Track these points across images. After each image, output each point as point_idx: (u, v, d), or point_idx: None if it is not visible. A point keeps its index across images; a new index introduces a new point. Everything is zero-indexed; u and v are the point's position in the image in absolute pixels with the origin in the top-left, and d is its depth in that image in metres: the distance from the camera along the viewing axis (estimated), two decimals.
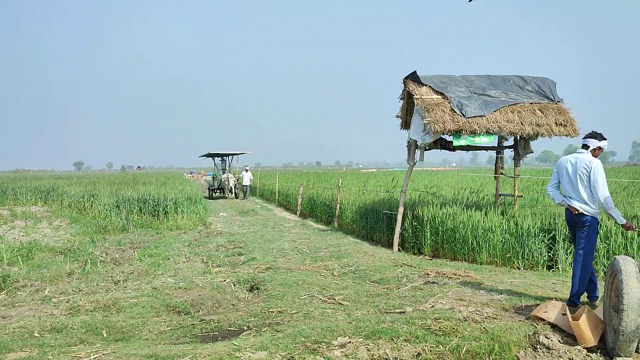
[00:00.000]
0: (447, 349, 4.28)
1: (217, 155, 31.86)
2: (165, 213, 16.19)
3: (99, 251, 10.49)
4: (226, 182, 28.72)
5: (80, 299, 6.67)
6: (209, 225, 15.66)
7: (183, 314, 6.30)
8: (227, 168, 31.97)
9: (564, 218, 6.30)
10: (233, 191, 29.13)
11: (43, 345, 4.88)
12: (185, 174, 72.81)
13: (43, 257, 10.06)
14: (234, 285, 7.60)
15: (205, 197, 27.78)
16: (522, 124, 9.21)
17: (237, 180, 29.48)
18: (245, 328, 5.48)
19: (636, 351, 4.32)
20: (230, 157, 32.11)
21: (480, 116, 9.20)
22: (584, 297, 5.81)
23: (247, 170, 28.53)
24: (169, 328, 5.67)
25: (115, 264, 9.41)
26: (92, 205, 16.80)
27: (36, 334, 5.30)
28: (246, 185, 28.45)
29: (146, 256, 9.94)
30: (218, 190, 30.57)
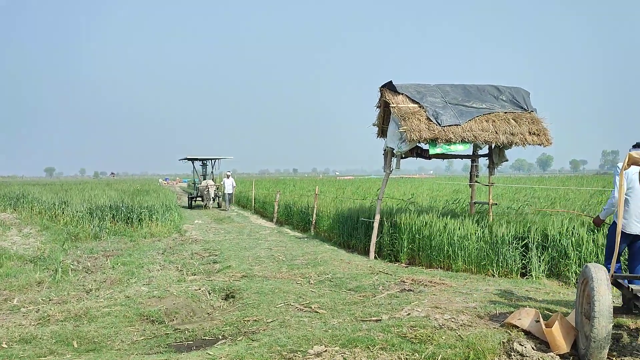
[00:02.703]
0: (422, 356, 4.29)
1: (197, 159, 29.16)
2: (139, 220, 15.94)
3: (70, 259, 10.28)
4: (206, 190, 25.79)
5: (51, 309, 6.51)
6: (183, 233, 15.49)
7: (157, 323, 6.19)
8: (207, 174, 29.29)
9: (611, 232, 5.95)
10: (214, 200, 26.59)
11: (11, 357, 4.74)
12: (160, 180, 72.03)
13: (12, 265, 9.80)
14: (209, 293, 7.51)
15: (184, 207, 26.53)
16: (496, 132, 9.35)
17: (218, 187, 26.82)
18: (220, 337, 5.41)
19: (607, 357, 4.40)
20: (211, 161, 29.43)
21: (455, 125, 9.31)
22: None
23: (228, 177, 25.84)
24: (142, 338, 5.57)
25: (87, 273, 9.22)
26: (63, 212, 16.46)
27: (4, 345, 5.15)
28: (229, 194, 25.89)
29: (119, 264, 9.78)
30: (198, 199, 27.67)
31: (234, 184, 26.63)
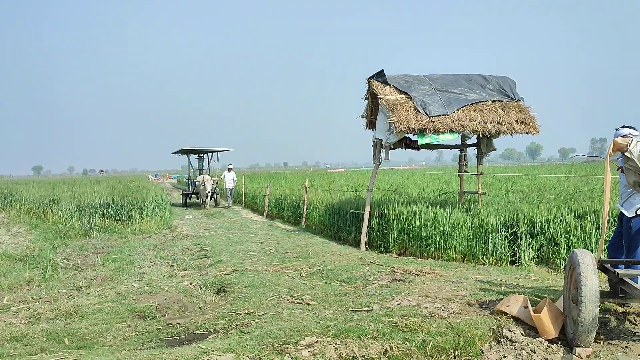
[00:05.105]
0: (413, 345, 4.32)
1: (193, 152, 25.73)
2: (129, 217, 15.86)
3: (60, 257, 10.21)
4: (202, 187, 22.61)
5: (41, 307, 6.48)
6: (174, 229, 15.44)
7: (148, 319, 6.18)
8: (204, 168, 26.09)
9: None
10: (212, 197, 23.49)
11: (2, 356, 4.72)
12: (149, 177, 71.63)
13: (1, 264, 9.72)
14: (201, 288, 7.51)
15: (176, 205, 25.25)
16: (484, 122, 9.40)
17: (217, 183, 23.73)
18: (212, 331, 5.42)
19: (595, 341, 4.46)
20: (209, 154, 26.20)
21: (443, 115, 9.35)
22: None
23: (229, 170, 23.69)
24: (134, 333, 5.57)
25: (77, 270, 9.17)
26: (52, 211, 16.35)
27: None
28: (230, 189, 23.87)
29: (110, 261, 9.74)
30: (193, 196, 25.03)
31: (235, 178, 24.39)
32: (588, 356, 4.30)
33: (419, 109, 9.39)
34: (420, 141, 9.52)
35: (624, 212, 5.57)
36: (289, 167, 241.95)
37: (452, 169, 27.08)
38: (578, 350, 4.31)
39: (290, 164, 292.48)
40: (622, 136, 5.42)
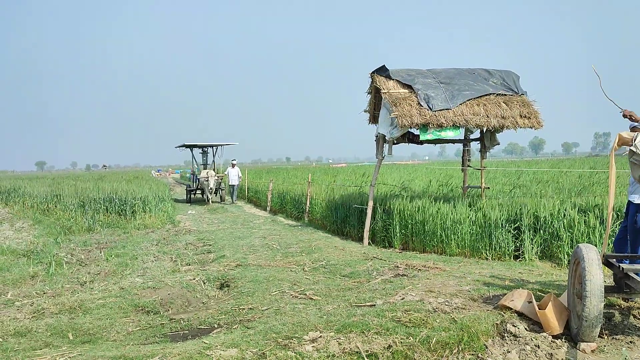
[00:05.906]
0: (417, 340, 4.32)
1: (197, 146, 25.15)
2: (132, 212, 15.88)
3: (63, 252, 10.24)
4: (206, 182, 21.97)
5: (45, 302, 6.49)
6: (177, 224, 15.45)
7: (152, 314, 6.20)
8: (208, 163, 25.39)
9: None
10: (216, 193, 23.37)
11: (6, 350, 4.73)
12: (152, 172, 71.73)
13: (5, 260, 9.75)
14: (204, 283, 7.51)
15: (180, 201, 25.03)
16: (487, 116, 9.35)
17: (222, 179, 23.51)
18: (215, 326, 5.43)
19: (599, 336, 4.45)
20: (213, 149, 25.32)
21: (446, 109, 9.30)
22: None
23: (233, 166, 23.22)
24: (137, 328, 5.58)
25: (81, 265, 9.20)
26: (56, 206, 16.39)
27: None
28: (233, 185, 23.38)
29: (113, 256, 9.75)
30: (198, 191, 24.48)
31: (240, 174, 23.85)
32: (592, 351, 4.29)
33: (422, 103, 9.35)
34: (423, 136, 9.49)
35: (633, 201, 5.56)
36: (292, 162, 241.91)
37: (455, 163, 27.05)
38: (582, 345, 4.30)
39: (293, 159, 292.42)
40: (633, 128, 5.42)
